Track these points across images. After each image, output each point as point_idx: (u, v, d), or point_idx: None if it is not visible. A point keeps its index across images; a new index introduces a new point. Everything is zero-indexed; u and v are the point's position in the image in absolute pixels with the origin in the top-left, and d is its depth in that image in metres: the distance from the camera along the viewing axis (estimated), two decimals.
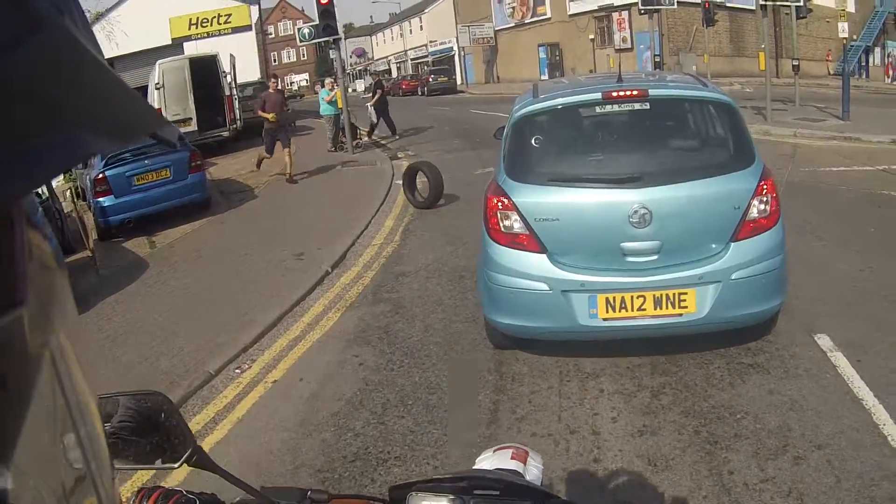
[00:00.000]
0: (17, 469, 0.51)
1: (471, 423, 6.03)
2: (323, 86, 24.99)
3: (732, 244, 6.03)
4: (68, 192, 18.23)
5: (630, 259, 6.04)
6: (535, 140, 6.70)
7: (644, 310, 6.01)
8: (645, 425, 5.71)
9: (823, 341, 6.74)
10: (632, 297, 6.01)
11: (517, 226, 6.21)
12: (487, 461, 2.08)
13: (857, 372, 6.18)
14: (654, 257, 6.02)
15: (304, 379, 7.27)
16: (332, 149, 23.42)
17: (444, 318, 8.28)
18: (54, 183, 17.67)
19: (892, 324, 7.06)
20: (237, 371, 7.72)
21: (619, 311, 6.04)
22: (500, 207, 6.26)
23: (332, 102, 23.42)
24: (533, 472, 2.04)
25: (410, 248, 11.65)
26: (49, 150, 0.49)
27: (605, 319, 6.06)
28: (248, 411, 6.81)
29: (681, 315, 6.00)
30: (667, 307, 6.00)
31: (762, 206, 6.06)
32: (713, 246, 6.07)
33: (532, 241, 6.17)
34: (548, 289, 6.13)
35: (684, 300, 5.99)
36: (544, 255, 6.16)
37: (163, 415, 1.56)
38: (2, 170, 0.45)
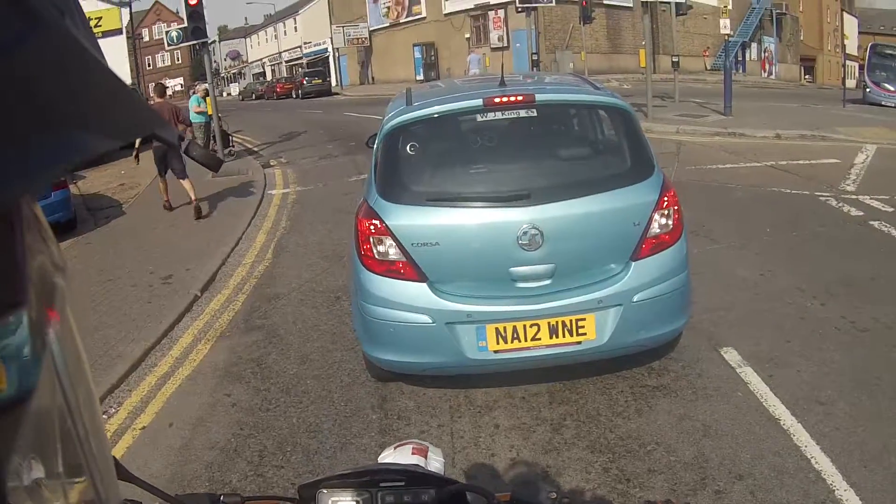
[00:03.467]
0: (16, 469, 0.51)
1: None
2: (194, 92, 24.18)
3: (633, 263, 5.52)
4: None
5: (521, 285, 5.47)
6: (409, 154, 6.03)
7: (539, 339, 5.44)
8: (548, 465, 5.20)
9: (731, 355, 6.43)
10: (524, 325, 5.43)
11: (392, 252, 5.56)
12: (390, 458, 2.05)
13: (769, 388, 5.91)
14: (548, 282, 5.47)
15: (173, 424, 6.60)
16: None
17: (322, 347, 7.67)
18: None
19: (799, 332, 6.84)
20: (104, 416, 6.96)
21: (512, 342, 5.45)
22: (373, 231, 5.60)
23: (201, 112, 22.64)
24: (434, 465, 2.01)
25: (284, 266, 10.99)
26: (49, 151, 0.49)
27: (496, 352, 5.47)
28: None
29: (580, 343, 5.46)
30: (564, 335, 5.45)
31: (664, 221, 5.56)
32: (612, 266, 5.56)
33: (410, 268, 5.54)
34: (430, 321, 5.50)
35: (583, 326, 5.44)
36: (424, 284, 5.53)
37: None
38: (2, 170, 0.45)
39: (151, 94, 17.07)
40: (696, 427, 5.44)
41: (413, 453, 2.04)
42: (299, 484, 1.80)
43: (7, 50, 0.45)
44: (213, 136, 21.99)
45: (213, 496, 1.76)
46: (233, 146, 24.05)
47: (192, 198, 15.03)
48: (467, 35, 52.25)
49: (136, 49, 61.60)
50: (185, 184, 15.21)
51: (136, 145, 16.05)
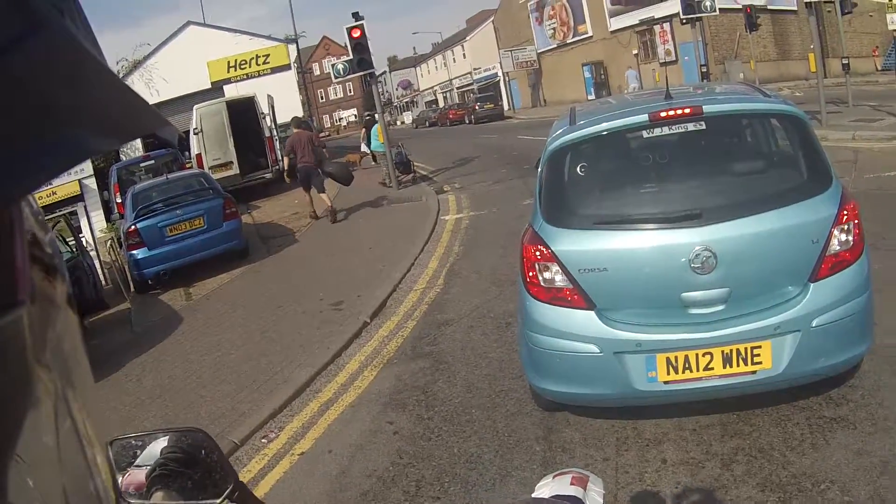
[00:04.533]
0: (17, 470, 0.51)
1: None
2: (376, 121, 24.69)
3: (812, 285, 5.16)
4: (109, 243, 17.96)
5: (693, 311, 5.20)
6: (574, 176, 5.88)
7: (712, 369, 5.14)
8: None
9: None
10: (696, 354, 5.15)
11: (559, 279, 5.39)
12: (547, 487, 1.99)
13: None
14: (721, 307, 5.17)
15: (332, 451, 6.67)
16: (388, 184, 22.90)
17: (489, 375, 7.55)
18: (98, 234, 17.69)
19: None
20: (264, 441, 7.20)
21: (683, 373, 5.18)
22: (539, 258, 5.45)
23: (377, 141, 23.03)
24: (594, 498, 1.94)
25: (455, 292, 10.97)
26: (49, 151, 0.49)
27: (666, 382, 5.21)
28: (272, 489, 6.27)
29: (754, 373, 5.14)
30: (738, 364, 5.13)
31: (844, 237, 5.18)
32: (790, 289, 5.22)
33: (577, 295, 5.35)
34: (598, 351, 5.30)
35: (758, 355, 5.11)
36: (592, 312, 5.33)
37: (203, 451, 1.61)
38: (2, 170, 0.46)
39: (291, 126, 20.66)
40: (874, 464, 5.01)
41: (572, 483, 1.99)
42: None
43: (7, 50, 0.45)
44: (396, 164, 22.39)
45: None
46: (415, 172, 24.32)
47: (329, 204, 18.86)
48: (635, 51, 51.71)
49: (307, 83, 63.53)
50: (324, 197, 18.89)
51: (285, 166, 19.28)
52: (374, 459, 6.31)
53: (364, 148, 31.29)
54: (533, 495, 2.05)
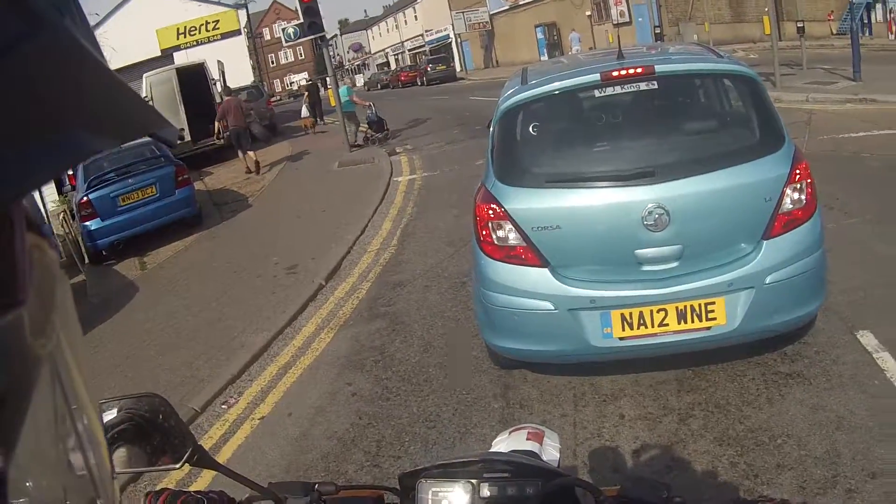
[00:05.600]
0: (17, 470, 0.51)
1: None
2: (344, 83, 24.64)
3: (765, 243, 5.18)
4: (62, 215, 17.67)
5: (647, 268, 5.21)
6: (526, 135, 5.84)
7: (666, 325, 5.17)
8: (673, 459, 4.95)
9: (867, 339, 5.96)
10: (651, 311, 5.16)
11: (512, 237, 5.37)
12: (504, 443, 2.05)
13: None
14: (675, 264, 5.18)
15: (292, 414, 6.65)
16: (359, 143, 22.93)
17: (445, 334, 7.58)
18: (50, 206, 17.44)
19: None
20: (223, 406, 7.13)
21: (638, 329, 5.19)
22: (492, 216, 5.42)
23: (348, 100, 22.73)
24: (550, 451, 2.00)
25: (409, 252, 10.97)
26: (49, 151, 0.48)
27: (621, 339, 5.23)
28: (234, 454, 6.21)
29: (709, 328, 5.17)
30: (693, 320, 5.16)
31: (797, 196, 5.20)
32: (743, 246, 5.24)
33: (531, 253, 5.33)
34: (553, 308, 5.29)
35: (712, 311, 5.15)
36: (546, 270, 5.32)
37: (161, 416, 1.61)
38: (2, 170, 0.45)
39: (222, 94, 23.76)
40: (830, 419, 5.08)
41: (528, 438, 2.03)
42: (400, 473, 1.78)
43: (7, 50, 0.45)
44: (368, 124, 23.16)
45: (308, 484, 1.78)
46: (388, 129, 24.10)
47: (254, 159, 22.21)
48: (588, 12, 51.61)
49: (258, 48, 62.98)
50: (251, 154, 22.27)
51: (216, 130, 22.59)
52: (334, 421, 6.30)
53: (305, 112, 31.12)
54: (489, 451, 2.07)
